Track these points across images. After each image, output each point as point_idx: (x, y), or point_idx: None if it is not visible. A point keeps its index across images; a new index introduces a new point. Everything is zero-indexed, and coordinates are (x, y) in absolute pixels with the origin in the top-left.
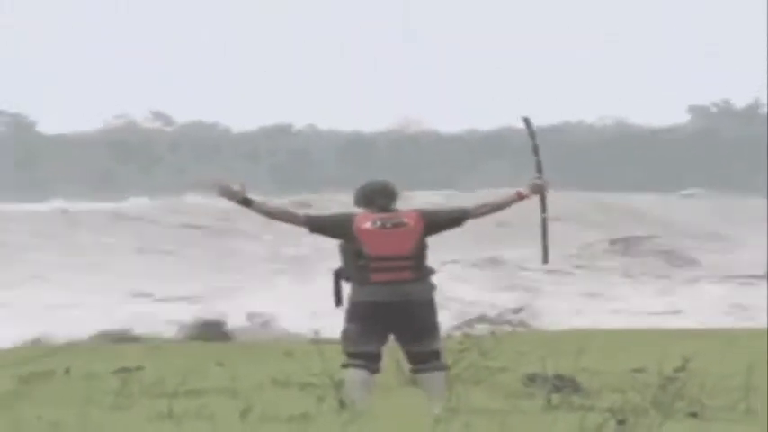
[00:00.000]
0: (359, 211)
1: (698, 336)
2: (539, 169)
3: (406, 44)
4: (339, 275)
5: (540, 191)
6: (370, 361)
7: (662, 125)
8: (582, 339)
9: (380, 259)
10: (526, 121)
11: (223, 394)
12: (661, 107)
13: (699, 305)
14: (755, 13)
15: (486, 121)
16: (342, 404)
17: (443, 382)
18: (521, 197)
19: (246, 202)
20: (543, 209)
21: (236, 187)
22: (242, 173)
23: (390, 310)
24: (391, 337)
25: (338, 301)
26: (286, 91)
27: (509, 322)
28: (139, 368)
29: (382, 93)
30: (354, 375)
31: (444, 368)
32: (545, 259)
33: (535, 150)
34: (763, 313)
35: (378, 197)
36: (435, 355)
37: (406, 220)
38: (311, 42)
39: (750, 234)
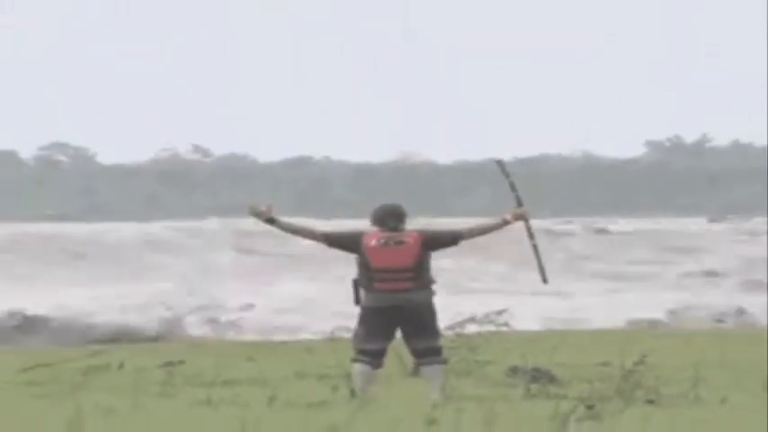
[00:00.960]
0: (372, 229)
1: (654, 335)
2: (519, 203)
3: (409, 87)
4: (356, 283)
5: (522, 218)
6: (373, 357)
7: (622, 157)
8: (556, 338)
9: (383, 271)
10: (499, 163)
11: (253, 384)
12: (622, 141)
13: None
14: (708, 56)
15: (475, 152)
16: (353, 393)
17: (442, 374)
18: (506, 223)
19: (272, 221)
20: (531, 236)
21: (264, 208)
22: (268, 197)
23: (392, 313)
24: (398, 335)
25: (357, 301)
26: (306, 127)
27: (494, 323)
28: (181, 362)
29: (387, 129)
30: (359, 369)
31: (444, 362)
32: (544, 280)
33: (512, 187)
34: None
35: (388, 218)
36: (436, 350)
37: (406, 239)
38: (328, 86)
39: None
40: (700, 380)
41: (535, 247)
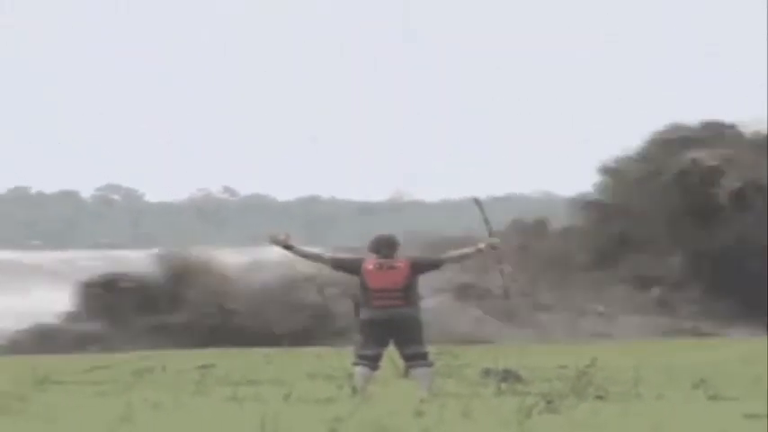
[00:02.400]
0: (371, 255)
1: (602, 344)
2: (490, 234)
3: (403, 135)
4: (356, 300)
5: (493, 248)
6: (371, 361)
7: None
8: (522, 345)
9: (378, 291)
10: (476, 200)
11: (272, 384)
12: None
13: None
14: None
15: (460, 191)
16: (354, 390)
17: (430, 375)
18: (479, 251)
19: (289, 248)
20: (499, 261)
21: (282, 237)
22: (284, 229)
23: (386, 325)
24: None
25: (357, 315)
26: (316, 170)
27: (471, 333)
28: (212, 365)
29: (384, 172)
30: (359, 371)
31: (430, 365)
32: (506, 297)
33: (486, 221)
34: None
35: (382, 247)
36: (423, 356)
37: (397, 264)
38: (334, 135)
39: None
40: (639, 380)
41: (501, 271)
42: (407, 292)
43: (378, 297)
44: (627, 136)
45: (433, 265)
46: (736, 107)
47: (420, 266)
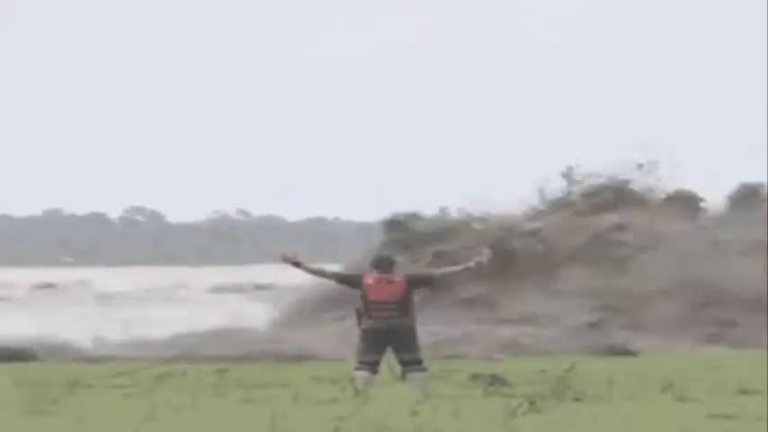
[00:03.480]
0: (370, 271)
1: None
2: (478, 251)
3: (396, 157)
4: (358, 312)
5: (482, 264)
6: (370, 366)
7: None
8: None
9: (378, 303)
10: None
11: (281, 387)
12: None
13: None
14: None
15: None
16: (356, 392)
17: (425, 379)
18: (467, 268)
19: (298, 264)
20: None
21: (290, 254)
22: (294, 248)
23: (384, 334)
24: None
25: (359, 325)
26: (322, 193)
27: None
28: (227, 370)
29: (382, 194)
30: (360, 375)
31: (425, 370)
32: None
33: (476, 241)
34: None
35: (381, 264)
36: (418, 361)
37: (395, 279)
38: (338, 163)
39: None
40: (613, 383)
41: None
42: (404, 305)
43: (377, 309)
44: None
45: (427, 280)
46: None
47: (415, 281)
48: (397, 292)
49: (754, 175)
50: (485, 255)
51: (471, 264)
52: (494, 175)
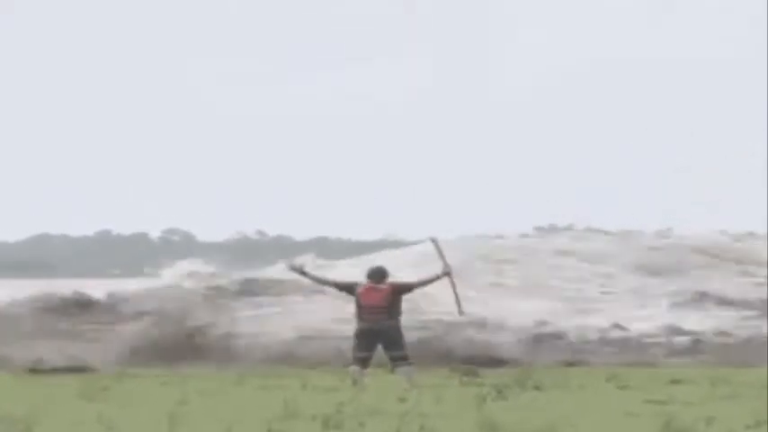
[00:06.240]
0: (364, 281)
1: None
2: (445, 264)
3: (387, 184)
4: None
5: (447, 275)
6: (362, 361)
7: None
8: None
9: (368, 307)
10: (433, 240)
11: (292, 377)
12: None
13: None
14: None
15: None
16: (354, 382)
17: (410, 371)
18: (438, 278)
19: (304, 273)
20: (453, 286)
21: (298, 264)
22: (302, 259)
23: (374, 333)
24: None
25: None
26: (324, 213)
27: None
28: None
29: (377, 215)
30: (353, 368)
31: (411, 364)
32: (460, 312)
33: (441, 255)
34: None
35: (374, 275)
36: (405, 357)
37: (383, 287)
38: (340, 188)
39: None
40: (566, 374)
41: (456, 295)
42: (390, 309)
43: (368, 312)
44: None
45: (408, 289)
46: None
47: (399, 290)
48: (385, 298)
49: None
50: (449, 267)
51: (440, 273)
52: (494, 205)
